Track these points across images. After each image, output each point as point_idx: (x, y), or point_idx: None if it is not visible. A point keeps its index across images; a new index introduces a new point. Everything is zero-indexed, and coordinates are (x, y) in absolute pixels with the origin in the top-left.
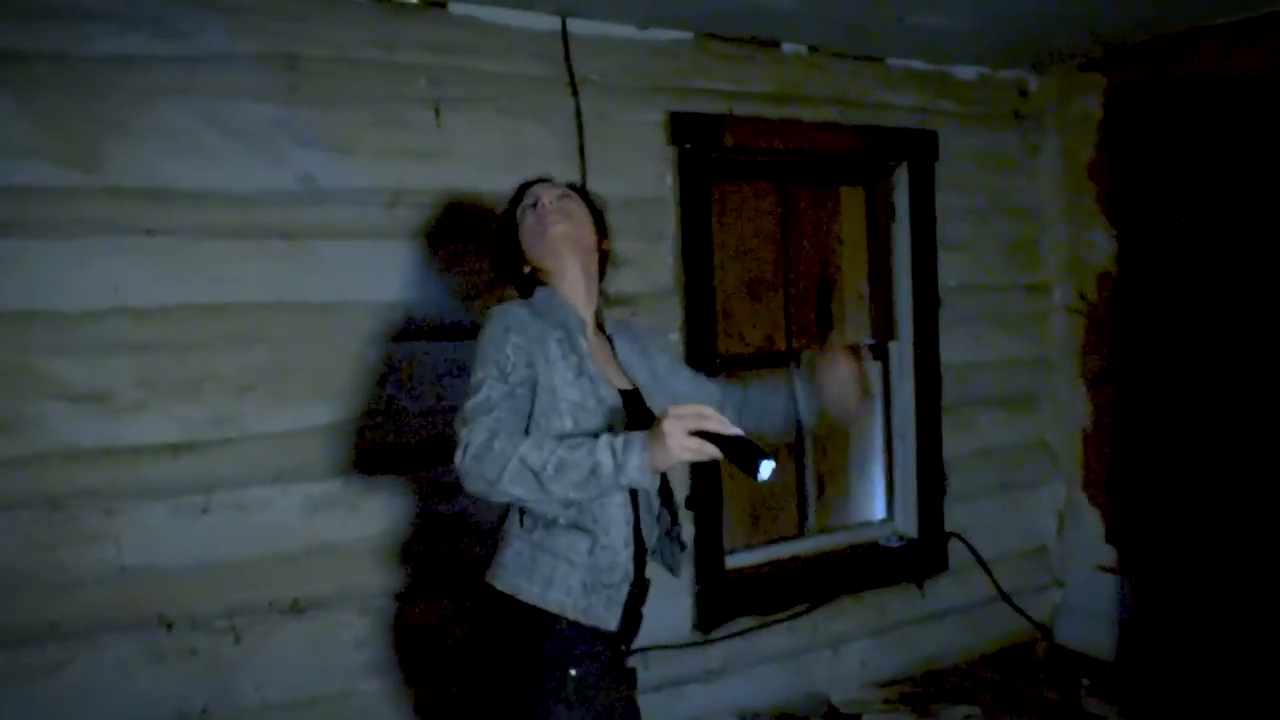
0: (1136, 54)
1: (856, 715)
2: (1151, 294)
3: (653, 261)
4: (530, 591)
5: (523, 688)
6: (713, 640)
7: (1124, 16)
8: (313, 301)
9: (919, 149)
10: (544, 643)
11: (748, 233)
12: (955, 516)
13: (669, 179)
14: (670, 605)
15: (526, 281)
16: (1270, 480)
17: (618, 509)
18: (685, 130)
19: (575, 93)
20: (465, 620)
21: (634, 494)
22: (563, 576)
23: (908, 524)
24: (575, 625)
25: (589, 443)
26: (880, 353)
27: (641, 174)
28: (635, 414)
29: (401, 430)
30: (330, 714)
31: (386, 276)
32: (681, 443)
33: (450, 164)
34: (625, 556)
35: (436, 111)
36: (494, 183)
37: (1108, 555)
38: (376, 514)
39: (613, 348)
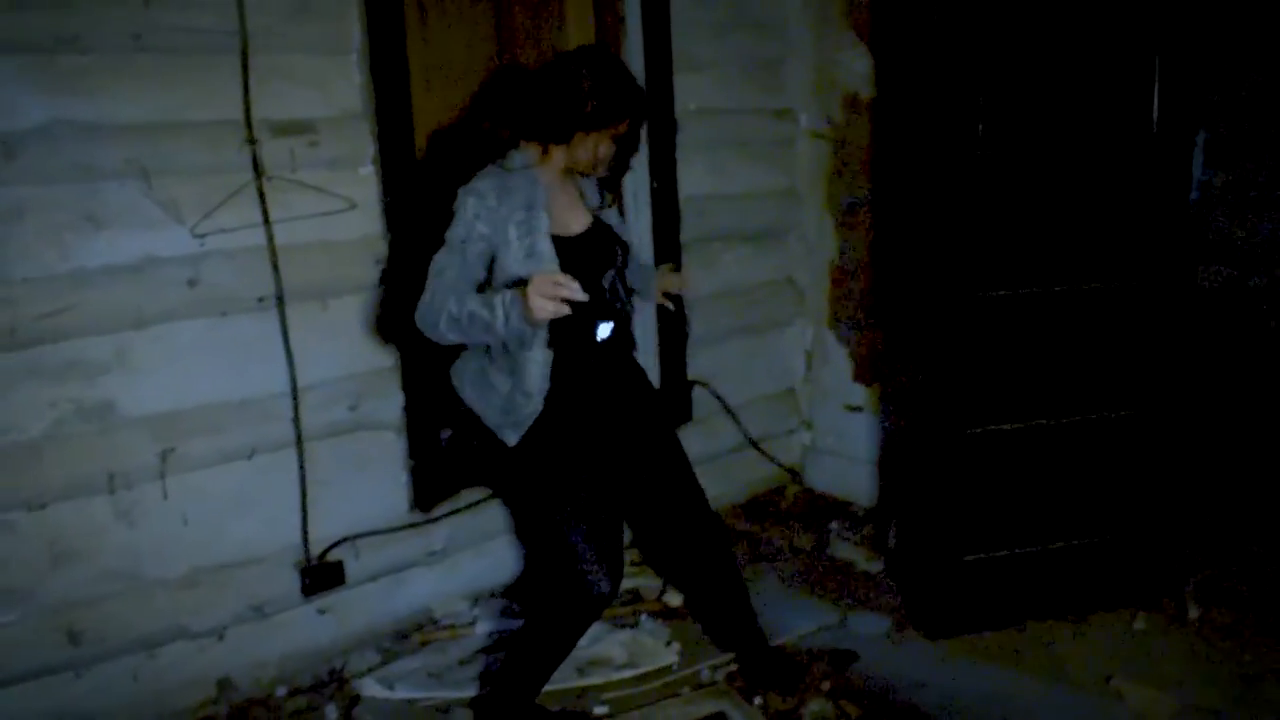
0: None
1: None
2: (911, 119)
3: (336, 80)
4: (471, 396)
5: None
6: (435, 519)
7: None
8: None
9: None
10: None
11: (457, 51)
12: (699, 363)
13: None
14: (380, 484)
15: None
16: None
17: (536, 366)
18: None
19: None
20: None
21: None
22: (490, 400)
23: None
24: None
25: (494, 299)
26: (612, 185)
27: None
28: (587, 254)
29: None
30: None
31: None
32: (539, 304)
33: None
34: (537, 401)
35: None
36: None
37: (856, 395)
38: None
39: (581, 192)
